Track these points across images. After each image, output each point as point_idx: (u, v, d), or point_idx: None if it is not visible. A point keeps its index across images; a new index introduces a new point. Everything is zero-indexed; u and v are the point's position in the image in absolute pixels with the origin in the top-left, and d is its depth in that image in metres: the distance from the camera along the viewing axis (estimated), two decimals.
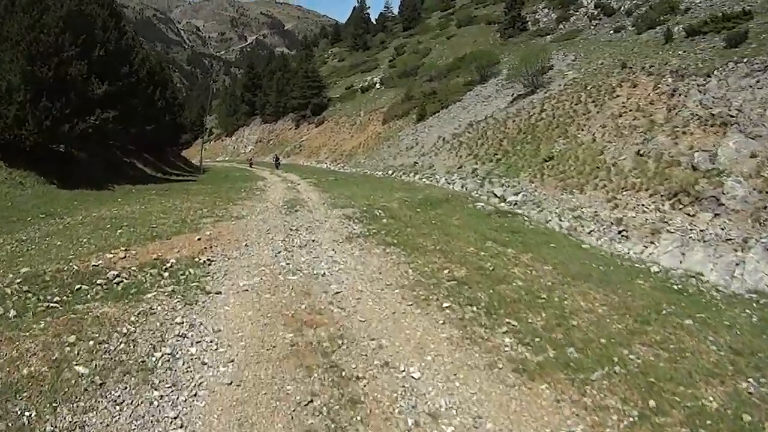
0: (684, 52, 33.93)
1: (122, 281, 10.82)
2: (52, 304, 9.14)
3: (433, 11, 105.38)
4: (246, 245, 14.51)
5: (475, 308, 10.48)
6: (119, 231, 15.04)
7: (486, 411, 7.19)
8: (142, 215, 17.96)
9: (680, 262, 18.55)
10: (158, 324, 8.98)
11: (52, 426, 6.19)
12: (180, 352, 8.22)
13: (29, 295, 9.36)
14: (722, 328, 10.87)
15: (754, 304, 13.73)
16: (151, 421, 6.61)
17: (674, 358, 9.08)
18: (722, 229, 19.58)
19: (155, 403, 6.93)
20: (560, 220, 23.80)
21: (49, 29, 24.56)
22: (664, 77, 31.41)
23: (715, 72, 28.44)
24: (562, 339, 9.41)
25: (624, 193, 24.41)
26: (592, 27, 54.71)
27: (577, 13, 61.50)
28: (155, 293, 10.27)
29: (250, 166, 63.34)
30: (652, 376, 8.30)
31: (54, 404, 6.47)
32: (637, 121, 28.92)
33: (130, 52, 34.04)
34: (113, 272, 11.07)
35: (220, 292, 10.83)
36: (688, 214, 21.04)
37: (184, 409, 6.91)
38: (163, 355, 8.02)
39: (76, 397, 6.68)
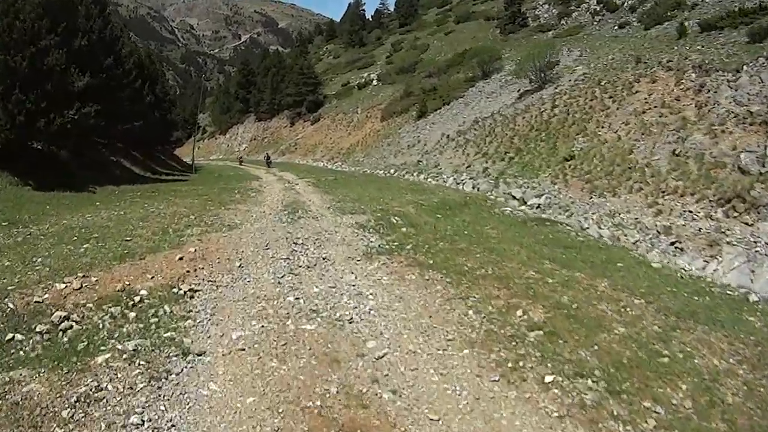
0: (703, 47, 31.67)
1: (71, 327, 7.86)
2: None
3: (430, 8, 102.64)
4: (240, 266, 11.49)
5: (590, 383, 7.24)
6: (85, 246, 12.03)
7: None
8: (117, 223, 15.02)
9: (751, 281, 15.48)
10: (102, 427, 5.83)
11: None
12: None
13: None
14: None
15: None
16: None
17: None
18: None
19: None
20: (599, 228, 20.77)
21: (24, 15, 22.07)
22: (686, 72, 28.97)
23: (745, 68, 25.85)
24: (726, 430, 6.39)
25: (666, 197, 21.52)
26: (595, 23, 52.85)
27: (579, 9, 59.25)
28: (110, 354, 7.18)
29: (240, 164, 62.11)
30: None
31: None
32: (665, 118, 26.32)
33: (116, 43, 30.96)
34: (61, 313, 8.12)
35: (204, 353, 7.66)
36: (747, 224, 18.08)
37: None
38: None
39: None
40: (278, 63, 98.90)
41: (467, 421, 6.38)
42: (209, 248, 12.24)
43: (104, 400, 6.13)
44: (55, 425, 5.61)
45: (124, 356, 7.13)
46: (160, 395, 6.39)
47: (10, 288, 8.80)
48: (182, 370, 7.12)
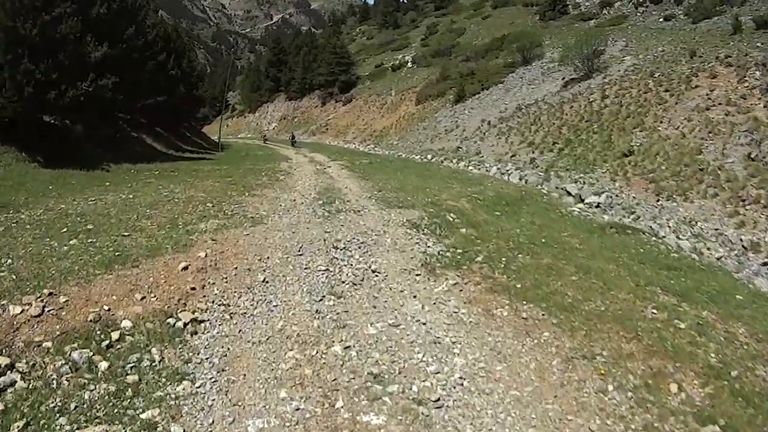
0: (763, 44, 29.90)
1: (11, 387, 5.24)
2: None
3: None
4: (264, 280, 8.64)
5: None
6: (71, 242, 9.46)
7: None
8: (121, 211, 12.46)
9: None
10: None
11: None
12: None
13: None
14: None
15: None
16: None
17: None
18: None
19: None
20: (678, 238, 17.81)
21: None
22: (749, 70, 27.15)
23: None
24: None
25: (747, 207, 18.97)
26: (639, 14, 50.75)
27: None
28: None
29: (264, 142, 61.32)
30: None
31: None
32: (733, 118, 24.13)
33: (138, 12, 28.25)
34: (2, 359, 5.32)
35: None
36: None
37: None
38: None
39: None
40: (310, 42, 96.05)
41: None
42: (225, 252, 9.45)
43: None
44: None
45: None
46: None
47: None
48: None
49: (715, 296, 9.56)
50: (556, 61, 44.67)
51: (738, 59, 28.59)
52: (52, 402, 5.10)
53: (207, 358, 6.20)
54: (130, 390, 5.39)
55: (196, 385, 5.67)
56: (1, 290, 6.93)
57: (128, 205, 13.30)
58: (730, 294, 10.05)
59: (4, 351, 5.68)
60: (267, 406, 5.48)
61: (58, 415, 4.97)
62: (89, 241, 9.52)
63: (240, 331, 6.99)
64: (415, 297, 8.36)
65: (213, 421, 5.18)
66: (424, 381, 6.04)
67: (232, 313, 7.38)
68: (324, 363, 6.26)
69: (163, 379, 5.69)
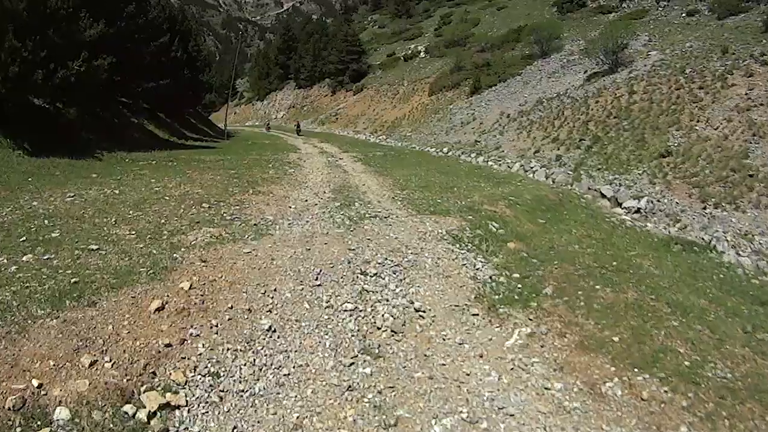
0: None
1: None
2: None
3: None
4: (271, 328, 6.26)
5: None
6: (24, 258, 7.25)
7: None
8: (98, 211, 10.27)
9: None
10: None
11: None
12: None
13: None
14: None
15: None
16: None
17: None
18: None
19: None
20: (738, 254, 15.35)
21: None
22: None
23: None
24: None
25: None
26: (660, 8, 48.12)
27: None
28: None
29: (268, 130, 60.50)
30: None
31: None
32: None
33: None
34: None
35: None
36: None
37: None
38: None
39: None
40: (321, 29, 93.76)
41: None
42: (217, 280, 7.11)
43: None
44: None
45: None
46: None
47: None
48: None
49: None
50: (577, 53, 43.09)
51: None
52: None
53: None
54: None
55: None
56: None
57: (110, 203, 11.08)
58: None
59: None
60: None
61: None
62: (46, 257, 7.25)
63: (235, 429, 4.61)
64: (481, 357, 5.99)
65: None
66: None
67: (222, 392, 4.98)
68: None
69: None
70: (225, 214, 10.56)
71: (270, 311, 6.57)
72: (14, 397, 4.24)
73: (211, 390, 4.96)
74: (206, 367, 5.23)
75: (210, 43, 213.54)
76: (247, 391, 5.07)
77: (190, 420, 4.60)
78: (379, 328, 6.45)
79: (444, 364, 5.78)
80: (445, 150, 35.38)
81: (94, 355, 4.94)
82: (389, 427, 4.76)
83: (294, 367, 5.47)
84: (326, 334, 6.20)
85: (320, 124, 68.39)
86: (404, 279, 8.02)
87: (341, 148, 32.02)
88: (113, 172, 15.76)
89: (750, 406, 5.23)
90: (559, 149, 28.56)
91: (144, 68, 26.38)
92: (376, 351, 5.94)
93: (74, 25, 18.99)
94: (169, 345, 5.34)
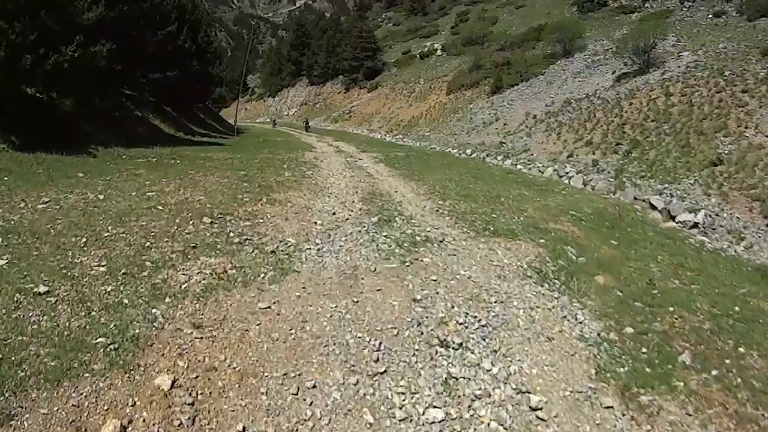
0: None
1: None
2: None
3: None
4: None
5: None
6: None
7: None
8: (70, 226, 7.93)
9: None
10: None
11: None
12: None
13: None
14: None
15: None
16: None
17: None
18: None
19: None
20: None
21: None
22: None
23: None
24: None
25: None
26: (685, 9, 46.97)
27: None
28: None
29: (274, 126, 61.32)
30: None
31: None
32: None
33: None
34: None
35: None
36: None
37: None
38: None
39: None
40: (335, 25, 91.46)
41: None
42: (218, 368, 4.65)
43: None
44: None
45: None
46: None
47: None
48: None
49: None
50: (602, 53, 41.63)
51: None
52: None
53: None
54: None
55: None
56: None
57: (88, 214, 8.65)
58: None
59: None
60: None
61: None
62: None
63: None
64: None
65: None
66: None
67: None
68: None
69: None
70: (232, 234, 8.12)
71: None
72: None
73: None
74: None
75: (222, 39, 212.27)
76: None
77: None
78: None
79: None
80: (468, 151, 33.14)
81: None
82: None
83: None
84: None
85: (333, 122, 66.25)
86: (499, 349, 5.52)
87: (358, 147, 29.80)
88: (105, 171, 13.36)
89: None
90: (594, 153, 26.39)
91: (149, 57, 24.20)
92: None
93: (70, 6, 16.81)
94: None
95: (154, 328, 4.93)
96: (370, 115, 61.23)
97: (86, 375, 4.09)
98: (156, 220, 8.54)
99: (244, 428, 4.01)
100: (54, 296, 5.30)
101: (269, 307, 5.74)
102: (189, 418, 3.88)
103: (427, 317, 6.06)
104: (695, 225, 17.66)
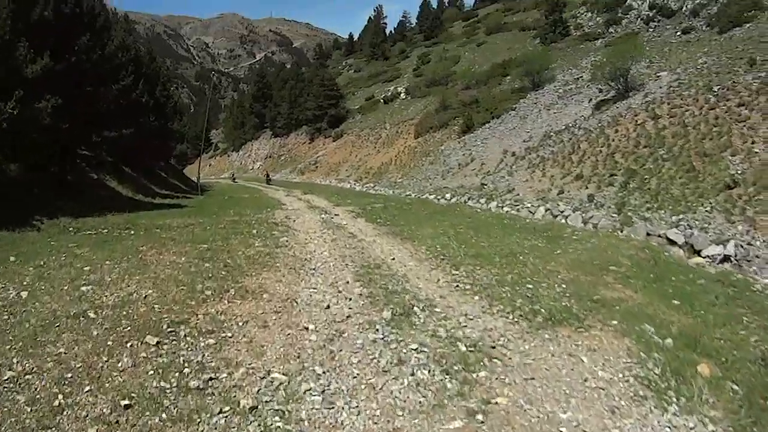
0: None
1: None
2: None
3: (455, 20, 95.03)
4: None
5: None
6: None
7: None
8: None
9: None
10: None
11: None
12: None
13: None
14: None
15: None
16: None
17: None
18: None
19: None
20: None
21: None
22: None
23: None
24: None
25: None
26: (651, 29, 48.40)
27: (628, 15, 54.09)
28: None
29: (233, 181, 61.57)
30: None
31: None
32: None
33: (96, 19, 21.56)
34: None
35: None
36: None
37: None
38: None
39: None
40: (296, 75, 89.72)
41: None
42: None
43: None
44: None
45: None
46: None
47: None
48: None
49: None
50: (572, 83, 41.60)
51: None
52: None
53: None
54: None
55: None
56: None
57: None
58: None
59: None
60: None
61: None
62: None
63: None
64: None
65: None
66: None
67: None
68: None
69: None
70: (187, 369, 5.42)
71: None
72: None
73: None
74: None
75: (184, 95, 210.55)
76: None
77: None
78: None
79: None
80: (447, 196, 31.00)
81: None
82: None
83: None
84: None
85: (300, 174, 64.37)
86: None
87: (330, 201, 27.27)
88: (41, 252, 10.70)
89: None
90: (587, 187, 24.58)
91: (103, 114, 21.71)
92: None
93: (11, 58, 14.82)
94: None
95: None
96: (337, 164, 59.48)
97: None
98: (82, 339, 5.93)
99: None
100: None
101: None
102: None
103: None
104: (726, 258, 15.85)
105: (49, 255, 10.31)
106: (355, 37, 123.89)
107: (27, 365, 5.30)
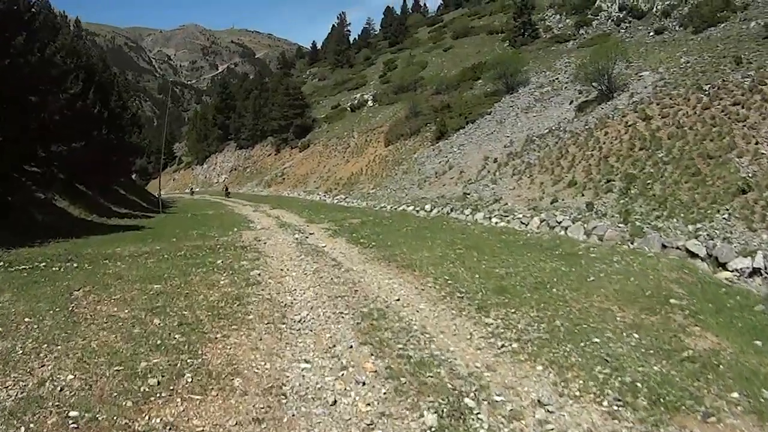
0: None
1: None
2: None
3: (420, 26, 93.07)
4: None
5: None
6: None
7: None
8: None
9: None
10: None
11: None
12: None
13: None
14: None
15: None
16: None
17: None
18: None
19: None
20: None
21: None
22: None
23: None
24: None
25: None
26: (623, 30, 47.73)
27: (598, 17, 53.05)
28: None
29: (192, 194, 62.01)
30: None
31: None
32: None
33: (35, 19, 19.16)
34: None
35: None
36: None
37: None
38: None
39: None
40: (260, 85, 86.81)
41: None
42: None
43: None
44: None
45: None
46: None
47: None
48: None
49: None
50: (547, 85, 40.24)
51: None
52: None
53: None
54: None
55: None
56: None
57: None
58: None
59: None
60: None
61: None
62: None
63: None
64: None
65: None
66: None
67: None
68: None
69: None
70: None
71: None
72: None
73: None
74: None
75: (147, 109, 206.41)
76: None
77: None
78: None
79: None
80: (427, 208, 28.68)
81: None
82: None
83: None
84: None
85: (266, 186, 61.53)
86: None
87: (302, 216, 24.65)
88: None
89: None
90: (583, 195, 22.59)
91: (49, 126, 19.17)
92: None
93: None
94: None
95: None
96: (305, 175, 56.98)
97: None
98: None
99: None
100: None
101: None
102: None
103: None
104: (755, 272, 13.86)
105: None
106: (319, 46, 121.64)
107: None
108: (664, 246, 16.03)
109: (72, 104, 22.53)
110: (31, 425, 4.44)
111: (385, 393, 5.21)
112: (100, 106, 27.82)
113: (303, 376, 5.60)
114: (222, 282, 9.72)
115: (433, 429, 4.57)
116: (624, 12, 50.08)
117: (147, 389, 5.09)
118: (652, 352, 6.13)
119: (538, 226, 20.83)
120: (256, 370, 5.69)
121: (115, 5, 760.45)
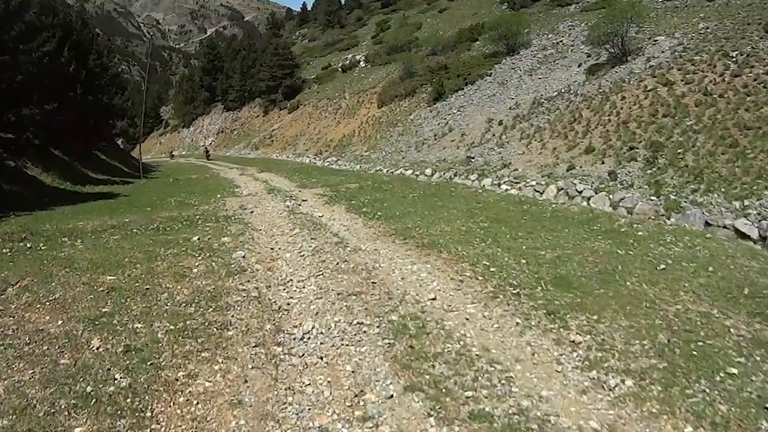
0: None
1: None
2: None
3: None
4: None
5: None
6: None
7: None
8: None
9: None
10: None
11: None
12: None
13: None
14: None
15: None
16: None
17: None
18: None
19: None
20: None
21: None
22: None
23: None
24: None
25: None
26: None
27: None
28: None
29: (171, 159, 60.61)
30: None
31: None
32: None
33: None
34: None
35: None
36: None
37: None
38: None
39: None
40: (249, 45, 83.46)
41: None
42: None
43: None
44: None
45: None
46: None
47: None
48: None
49: None
50: (551, 48, 37.65)
51: None
52: None
53: None
54: None
55: None
56: None
57: None
58: None
59: None
60: None
61: None
62: None
63: None
64: None
65: None
66: None
67: None
68: None
69: None
70: None
71: None
72: None
73: None
74: None
75: (135, 73, 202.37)
76: None
77: None
78: None
79: None
80: (428, 172, 26.29)
81: None
82: None
83: None
84: None
85: (254, 149, 59.06)
86: None
87: (293, 180, 22.53)
88: None
89: None
90: (603, 162, 20.08)
91: (17, 87, 17.31)
92: None
93: None
94: None
95: None
96: (294, 137, 54.51)
97: None
98: None
99: None
100: None
101: None
102: None
103: None
104: None
105: None
106: (309, 7, 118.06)
107: None
108: (707, 224, 13.83)
109: (44, 63, 20.08)
110: None
111: None
112: (76, 65, 25.22)
113: None
114: (195, 270, 7.42)
115: None
116: None
117: None
118: None
119: (555, 195, 18.52)
120: None
121: None
